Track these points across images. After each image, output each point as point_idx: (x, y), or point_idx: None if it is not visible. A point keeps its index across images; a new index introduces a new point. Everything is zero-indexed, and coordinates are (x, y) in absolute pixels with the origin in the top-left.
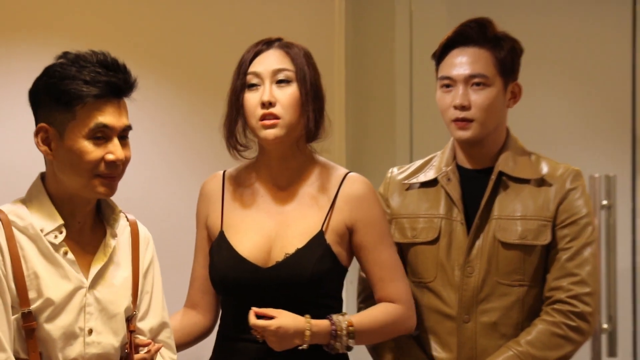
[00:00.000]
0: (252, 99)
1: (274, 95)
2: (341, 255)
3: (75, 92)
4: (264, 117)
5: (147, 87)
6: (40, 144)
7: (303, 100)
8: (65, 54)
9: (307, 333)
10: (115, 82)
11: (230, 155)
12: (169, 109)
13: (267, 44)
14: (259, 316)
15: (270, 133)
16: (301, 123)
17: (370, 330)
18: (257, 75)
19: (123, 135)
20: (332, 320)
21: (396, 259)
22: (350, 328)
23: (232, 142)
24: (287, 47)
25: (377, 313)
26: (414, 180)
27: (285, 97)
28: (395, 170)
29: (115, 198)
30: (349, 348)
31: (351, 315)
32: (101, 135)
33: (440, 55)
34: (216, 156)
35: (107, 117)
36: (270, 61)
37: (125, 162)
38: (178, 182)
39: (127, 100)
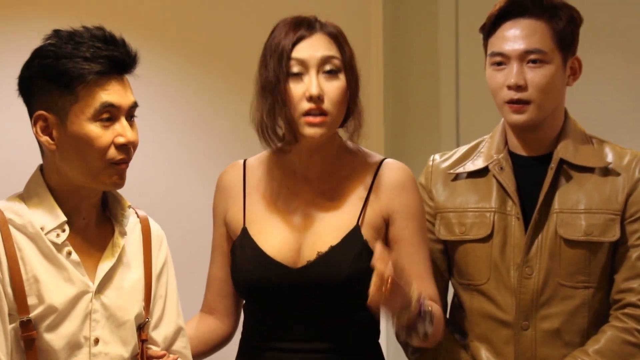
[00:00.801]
0: (295, 89)
1: (322, 88)
2: None
3: (75, 71)
4: (309, 112)
5: (165, 69)
6: (39, 134)
7: (350, 93)
8: (56, 32)
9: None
10: (117, 57)
11: (262, 145)
12: (188, 91)
13: (308, 27)
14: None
15: (316, 132)
16: (343, 116)
17: (438, 320)
18: (301, 63)
19: (131, 114)
20: (420, 298)
21: (430, 258)
22: (431, 309)
23: (271, 135)
24: (328, 29)
25: (438, 309)
26: (460, 170)
27: (334, 90)
28: (437, 157)
29: (126, 192)
30: (426, 336)
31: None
32: (108, 116)
33: (490, 28)
34: (243, 144)
35: (113, 95)
36: (316, 47)
37: (134, 145)
38: (197, 174)
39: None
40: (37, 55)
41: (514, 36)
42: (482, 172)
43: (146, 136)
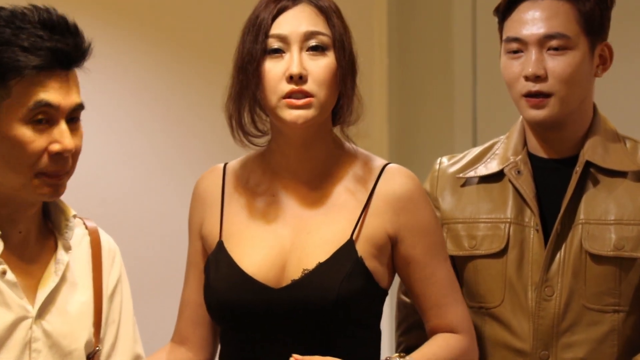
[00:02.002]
0: (274, 69)
1: (305, 67)
2: (378, 273)
3: (9, 63)
4: (290, 95)
5: (130, 57)
6: None
7: (341, 74)
8: None
9: None
10: (62, 49)
11: (236, 142)
12: (158, 84)
13: None
14: None
15: (300, 116)
16: (334, 102)
17: None
18: (281, 38)
19: (73, 117)
20: None
21: (453, 276)
22: None
23: (242, 125)
24: (318, 3)
25: (441, 349)
26: (471, 174)
27: (320, 69)
28: (445, 160)
29: (86, 200)
30: None
31: (411, 356)
32: (44, 117)
33: (505, 10)
34: (221, 146)
35: (52, 93)
36: (299, 21)
37: (75, 154)
38: (169, 179)
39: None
40: None
41: (533, 19)
42: (496, 177)
43: (108, 136)
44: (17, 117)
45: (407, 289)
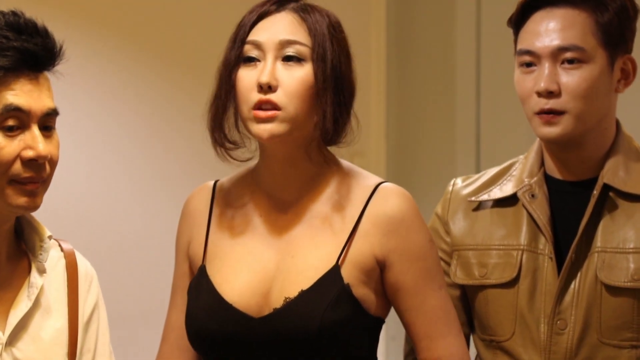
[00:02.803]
0: (247, 78)
1: (277, 77)
2: (368, 300)
3: None
4: (259, 105)
5: (108, 68)
6: None
7: (318, 88)
8: None
9: None
10: (30, 50)
11: (217, 155)
12: (144, 92)
13: (279, 3)
14: None
15: (264, 129)
16: (312, 119)
17: None
18: (257, 45)
19: (47, 125)
20: None
21: (448, 306)
22: None
23: (219, 136)
24: (304, 12)
25: None
26: (484, 197)
27: (292, 80)
28: (459, 182)
29: (57, 220)
30: None
31: None
32: (15, 123)
33: (518, 21)
34: (206, 161)
35: (22, 96)
36: (277, 28)
37: (51, 162)
38: (152, 199)
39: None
40: None
41: (546, 30)
42: (511, 201)
43: (83, 149)
44: None
45: (399, 317)
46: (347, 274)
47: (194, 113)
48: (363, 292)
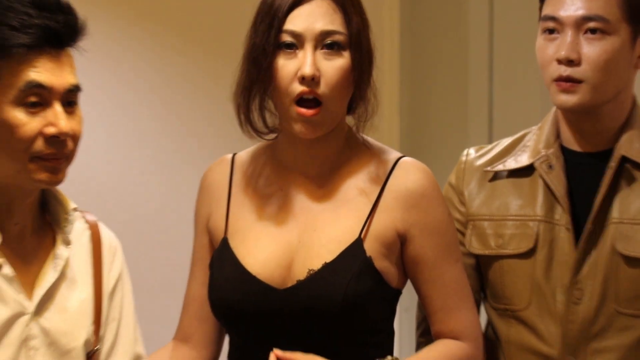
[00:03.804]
0: (286, 67)
1: (319, 67)
2: (389, 273)
3: None
4: (301, 97)
5: (129, 44)
6: None
7: (356, 75)
8: None
9: None
10: (52, 27)
11: (244, 135)
12: (164, 68)
13: None
14: None
15: (308, 129)
16: (346, 103)
17: None
18: (295, 35)
19: (70, 100)
20: None
21: (464, 280)
22: None
23: (251, 120)
24: None
25: (437, 355)
26: (499, 167)
27: (333, 70)
28: (472, 152)
29: (82, 193)
30: None
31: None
32: (37, 100)
33: None
34: (221, 138)
35: (43, 73)
36: (315, 17)
37: (74, 138)
38: (169, 174)
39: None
40: None
41: None
42: (526, 171)
43: (105, 124)
44: (7, 99)
45: (415, 289)
46: (370, 247)
47: (212, 90)
48: (384, 265)
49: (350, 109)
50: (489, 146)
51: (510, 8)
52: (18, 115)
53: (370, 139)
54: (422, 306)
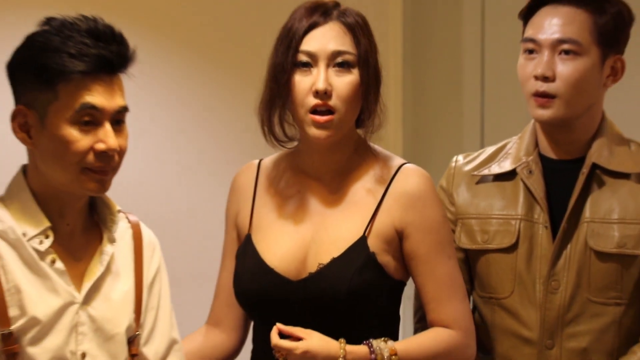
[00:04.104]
0: (302, 83)
1: (331, 83)
2: (390, 266)
3: (57, 67)
4: (315, 109)
5: (164, 68)
6: (17, 131)
7: (364, 90)
8: (49, 20)
9: None
10: (106, 56)
11: (268, 144)
12: (191, 92)
13: (324, 13)
14: (284, 335)
15: (322, 134)
16: (356, 114)
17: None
18: (310, 55)
19: (118, 119)
20: (371, 347)
21: (456, 275)
22: (394, 357)
23: (272, 130)
24: (346, 18)
25: (427, 340)
26: (485, 172)
27: (344, 85)
28: (460, 158)
29: (124, 196)
30: None
31: (395, 342)
32: (89, 119)
33: (528, 13)
34: (247, 146)
35: (97, 96)
36: (327, 39)
37: (120, 152)
38: (201, 178)
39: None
40: (26, 44)
41: (550, 24)
42: (509, 176)
43: (146, 137)
44: (64, 118)
45: (413, 281)
46: (373, 243)
47: (236, 107)
48: (386, 259)
49: (360, 121)
50: (475, 153)
51: (499, 40)
52: (73, 133)
53: (377, 147)
54: (418, 296)
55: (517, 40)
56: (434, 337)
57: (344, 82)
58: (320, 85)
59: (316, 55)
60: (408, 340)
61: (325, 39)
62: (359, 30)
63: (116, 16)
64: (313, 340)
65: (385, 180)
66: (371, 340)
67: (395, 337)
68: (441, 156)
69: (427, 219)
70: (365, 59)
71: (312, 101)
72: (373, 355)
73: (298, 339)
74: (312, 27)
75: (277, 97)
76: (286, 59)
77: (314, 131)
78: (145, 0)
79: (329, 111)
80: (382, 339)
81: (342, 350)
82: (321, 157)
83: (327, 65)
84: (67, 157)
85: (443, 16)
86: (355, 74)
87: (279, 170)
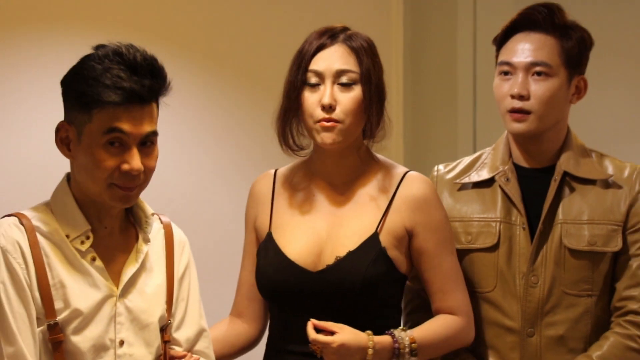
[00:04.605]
0: (311, 98)
1: (335, 98)
2: (398, 260)
3: (93, 96)
4: (321, 120)
5: (192, 82)
6: (59, 143)
7: (366, 104)
8: (99, 47)
9: (370, 351)
10: (137, 90)
11: (283, 152)
12: (216, 105)
13: (332, 37)
14: (317, 329)
15: (328, 137)
16: (361, 126)
17: (432, 346)
18: (317, 74)
19: (146, 141)
20: (394, 336)
21: (458, 268)
22: (413, 345)
23: (286, 140)
24: (351, 41)
25: (438, 327)
26: (465, 180)
27: (347, 100)
28: (441, 167)
29: (157, 201)
30: None
31: (412, 330)
32: (116, 141)
33: (501, 40)
34: (266, 155)
35: (125, 123)
36: (333, 60)
37: (147, 171)
38: (225, 184)
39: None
40: (77, 66)
41: (523, 49)
42: (487, 183)
43: (173, 146)
44: (96, 139)
45: (419, 275)
46: (384, 239)
47: (258, 118)
48: (395, 254)
49: (365, 133)
50: (454, 163)
51: (490, 59)
52: (102, 153)
53: (382, 157)
54: (413, 289)
55: None
56: (443, 323)
57: (347, 97)
58: (326, 100)
59: (323, 74)
60: (422, 328)
61: (331, 59)
62: (362, 51)
63: (137, 31)
64: (345, 333)
65: (393, 186)
66: (392, 330)
67: (398, 324)
68: (438, 162)
69: (433, 220)
70: (367, 77)
71: (320, 114)
72: (397, 345)
73: (331, 332)
74: (320, 48)
75: (289, 110)
76: (297, 77)
77: (321, 135)
78: (165, 13)
79: (335, 122)
80: (401, 327)
81: (370, 342)
82: (332, 163)
83: (333, 83)
84: (96, 173)
85: (439, 38)
86: (357, 90)
87: (295, 176)
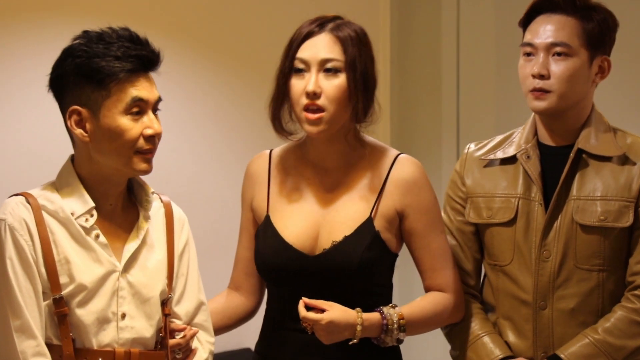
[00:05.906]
0: (297, 85)
1: (320, 85)
2: (390, 242)
3: (108, 69)
4: (307, 108)
5: (187, 66)
6: (74, 127)
7: (351, 91)
8: (85, 33)
9: (359, 328)
10: (145, 55)
11: (278, 136)
12: (211, 89)
13: (320, 25)
14: (308, 307)
15: (314, 129)
16: (348, 112)
17: (420, 322)
18: (303, 61)
19: (155, 108)
20: (383, 313)
21: (447, 247)
22: (402, 321)
23: (277, 125)
24: (339, 31)
25: (427, 304)
26: (491, 157)
27: (332, 88)
28: (472, 146)
29: (153, 179)
30: (400, 341)
31: (401, 307)
32: (137, 110)
33: (525, 22)
34: (261, 137)
35: (142, 90)
36: (318, 48)
37: (159, 136)
38: (222, 165)
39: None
40: (69, 54)
41: (544, 30)
42: (512, 160)
43: (172, 129)
44: (118, 111)
45: (410, 253)
46: (378, 223)
47: (253, 102)
48: (388, 237)
49: (355, 119)
50: (486, 141)
51: (473, 54)
52: (126, 122)
53: (373, 139)
54: (416, 266)
55: (487, 51)
56: (432, 300)
57: (331, 85)
58: (310, 87)
59: (308, 62)
60: (411, 305)
61: (317, 47)
62: (349, 40)
63: (132, 19)
64: (335, 311)
65: (384, 169)
66: (382, 307)
67: (389, 301)
68: (422, 149)
69: (423, 201)
70: (352, 65)
71: (305, 101)
72: (385, 321)
73: (322, 310)
74: (307, 36)
75: (279, 96)
76: (285, 64)
77: (307, 127)
78: (161, 3)
79: (320, 109)
80: (390, 305)
81: (359, 319)
82: (324, 147)
83: (318, 70)
84: (122, 143)
85: (425, 29)
86: (342, 78)
87: (289, 159)
